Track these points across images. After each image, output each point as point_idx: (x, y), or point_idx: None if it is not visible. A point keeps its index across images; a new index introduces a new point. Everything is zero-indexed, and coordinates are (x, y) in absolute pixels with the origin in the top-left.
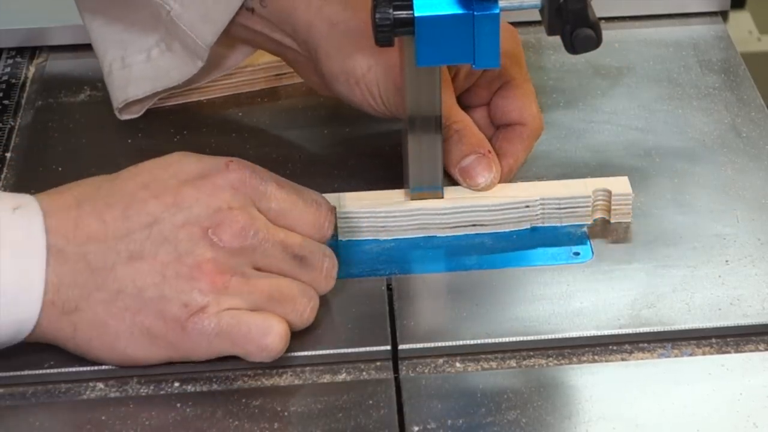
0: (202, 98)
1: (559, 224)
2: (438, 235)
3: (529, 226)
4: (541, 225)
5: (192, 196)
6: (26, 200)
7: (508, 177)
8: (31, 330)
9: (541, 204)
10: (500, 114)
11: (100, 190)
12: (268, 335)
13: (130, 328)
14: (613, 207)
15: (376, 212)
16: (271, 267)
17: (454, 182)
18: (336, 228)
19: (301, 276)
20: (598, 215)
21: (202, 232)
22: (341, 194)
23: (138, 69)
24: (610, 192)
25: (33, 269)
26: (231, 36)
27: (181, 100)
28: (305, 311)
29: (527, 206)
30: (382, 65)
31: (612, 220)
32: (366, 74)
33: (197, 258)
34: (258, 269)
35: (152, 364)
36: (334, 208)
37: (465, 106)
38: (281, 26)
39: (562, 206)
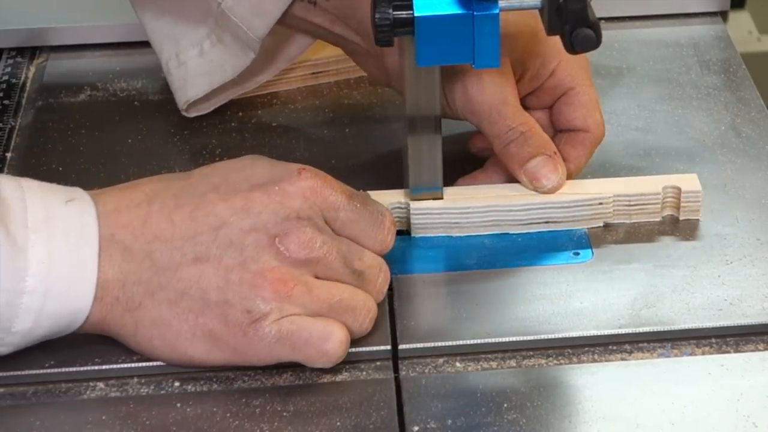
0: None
1: (628, 221)
2: (510, 232)
3: (602, 224)
4: (611, 221)
5: (261, 202)
6: (78, 194)
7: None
8: (83, 321)
9: (614, 201)
10: (564, 120)
11: (171, 189)
12: (328, 341)
13: (193, 330)
14: (682, 204)
15: (451, 208)
16: (331, 278)
17: (452, 182)
18: (409, 224)
19: (357, 287)
20: (667, 212)
21: (269, 239)
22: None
23: (193, 66)
24: (679, 189)
25: (85, 260)
26: (288, 27)
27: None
28: (365, 321)
29: (600, 203)
30: (450, 67)
31: (681, 217)
32: None
33: (262, 265)
34: (318, 278)
35: (212, 366)
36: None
37: (525, 108)
38: (345, 20)
39: (632, 203)
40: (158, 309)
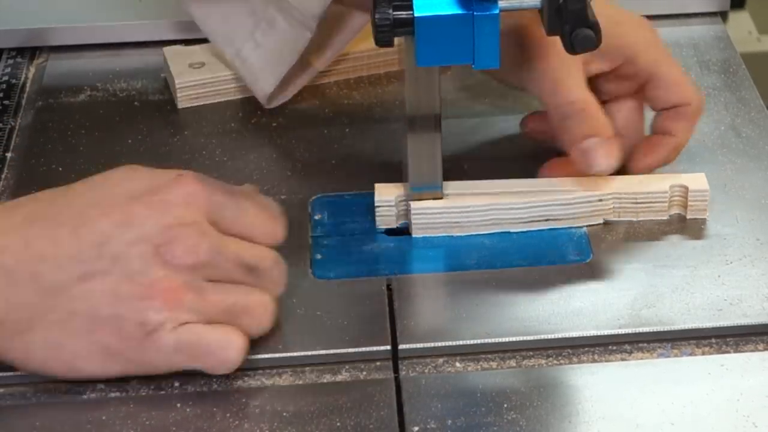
0: (237, 97)
1: (635, 218)
2: (511, 230)
3: (602, 221)
4: (616, 219)
5: (142, 214)
6: None
7: (675, 155)
8: None
9: (615, 198)
10: (661, 101)
11: (52, 207)
12: (228, 349)
13: (87, 347)
14: (689, 203)
15: (451, 208)
16: (224, 279)
17: (452, 180)
18: (410, 224)
19: (254, 285)
20: (674, 211)
21: (154, 249)
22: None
23: (254, 61)
24: (686, 188)
25: None
26: (345, 3)
27: (216, 99)
28: (263, 319)
29: (600, 200)
30: (505, 33)
31: (688, 216)
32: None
33: (150, 276)
34: (211, 281)
35: (111, 378)
36: (285, 212)
37: (606, 97)
38: None
39: (638, 201)
40: (49, 331)
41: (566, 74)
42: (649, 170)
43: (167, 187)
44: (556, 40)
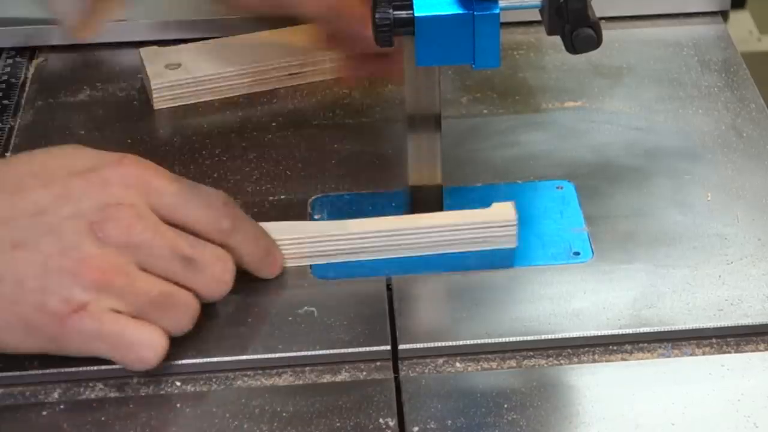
0: (214, 98)
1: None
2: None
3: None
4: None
5: (80, 189)
6: None
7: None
8: None
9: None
10: None
11: None
12: (147, 348)
13: (7, 318)
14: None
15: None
16: (158, 267)
17: (452, 180)
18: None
19: (188, 278)
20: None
21: (88, 226)
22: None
23: None
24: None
25: None
26: None
27: (192, 99)
28: (183, 319)
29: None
30: None
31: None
32: None
33: (81, 253)
34: (145, 270)
35: (26, 354)
36: (232, 201)
37: None
38: None
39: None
40: None
41: None
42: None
43: (109, 166)
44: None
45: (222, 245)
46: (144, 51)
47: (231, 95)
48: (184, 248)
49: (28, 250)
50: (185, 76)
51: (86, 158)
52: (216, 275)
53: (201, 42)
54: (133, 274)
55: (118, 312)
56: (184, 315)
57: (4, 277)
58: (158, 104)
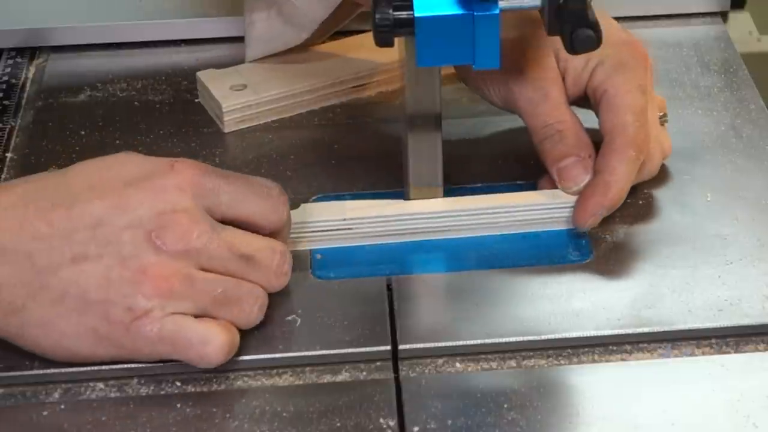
0: (281, 116)
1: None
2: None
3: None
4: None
5: (137, 199)
6: None
7: (611, 198)
8: None
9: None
10: (600, 126)
11: (47, 189)
12: (208, 345)
13: (76, 328)
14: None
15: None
16: (218, 268)
17: (453, 180)
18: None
19: (249, 275)
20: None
21: (146, 235)
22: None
23: (258, 29)
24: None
25: None
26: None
27: (261, 120)
28: (251, 312)
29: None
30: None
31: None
32: None
33: (141, 262)
34: (205, 270)
35: (98, 362)
36: (283, 190)
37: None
38: None
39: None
40: (42, 310)
41: (542, 97)
42: (593, 222)
43: (162, 173)
44: (534, 62)
45: (277, 235)
46: (203, 74)
47: (298, 112)
48: (242, 247)
49: (89, 263)
50: (255, 97)
51: (139, 166)
52: (275, 268)
53: (256, 61)
54: (193, 277)
55: (183, 314)
56: (251, 307)
57: (70, 290)
58: (229, 127)
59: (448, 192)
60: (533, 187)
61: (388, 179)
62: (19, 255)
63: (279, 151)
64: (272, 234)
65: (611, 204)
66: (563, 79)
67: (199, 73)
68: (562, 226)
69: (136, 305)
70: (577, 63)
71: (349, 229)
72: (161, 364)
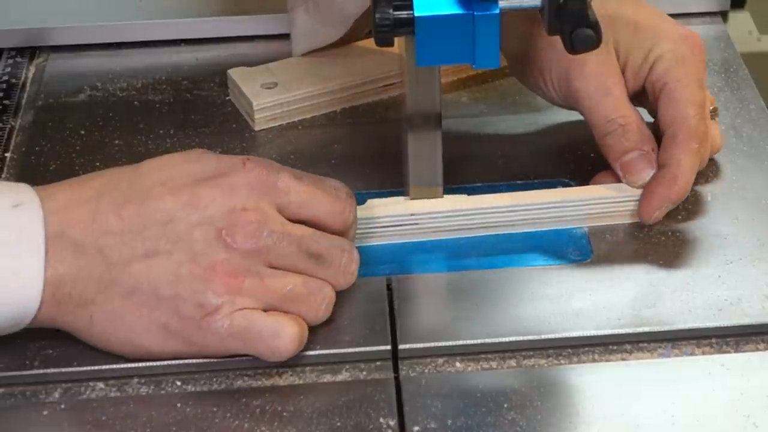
0: (315, 114)
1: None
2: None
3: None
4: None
5: (208, 196)
6: (26, 195)
7: (678, 192)
8: (30, 321)
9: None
10: (660, 119)
11: (121, 184)
12: (278, 338)
13: (147, 323)
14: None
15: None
16: (287, 265)
17: (453, 180)
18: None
19: (317, 273)
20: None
21: (216, 232)
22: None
23: (299, 23)
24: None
25: (30, 267)
26: None
27: (293, 117)
28: (319, 309)
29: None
30: (558, 51)
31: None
32: (541, 58)
33: (211, 259)
34: (274, 267)
35: (167, 358)
36: (351, 191)
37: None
38: None
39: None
40: (112, 304)
41: (604, 93)
42: (659, 215)
43: (234, 171)
44: (595, 57)
45: (344, 234)
46: (234, 72)
47: (330, 110)
48: (311, 245)
49: (160, 259)
50: (286, 95)
51: (211, 164)
52: (343, 267)
53: (287, 60)
54: (263, 275)
55: (252, 309)
56: (319, 305)
57: (140, 285)
58: (259, 125)
59: (448, 192)
60: (533, 186)
61: (389, 179)
62: (90, 249)
63: (281, 151)
64: (339, 233)
65: (677, 197)
66: (623, 72)
67: (230, 71)
68: (626, 220)
69: (207, 302)
70: (636, 57)
71: (416, 224)
72: (162, 364)
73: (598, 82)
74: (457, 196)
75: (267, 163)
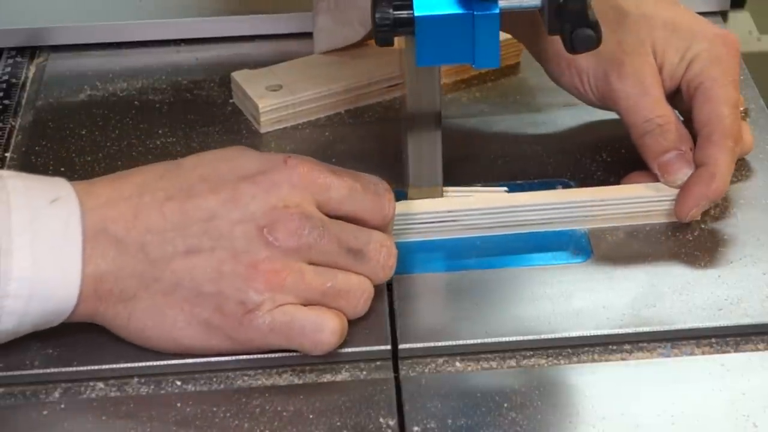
0: (320, 115)
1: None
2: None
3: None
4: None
5: (249, 193)
6: (65, 190)
7: (716, 190)
8: (69, 315)
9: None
10: (695, 118)
11: (162, 180)
12: (321, 332)
13: (188, 319)
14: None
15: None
16: (327, 261)
17: (453, 180)
18: None
19: (357, 268)
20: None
21: (258, 230)
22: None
23: (321, 19)
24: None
25: (70, 261)
26: None
27: (297, 120)
28: (358, 303)
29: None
30: (596, 52)
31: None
32: (578, 59)
33: (253, 257)
34: (314, 264)
35: (209, 354)
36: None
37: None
38: None
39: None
40: (153, 300)
41: (642, 93)
42: (695, 214)
43: (275, 168)
44: (632, 57)
45: (382, 229)
46: (238, 75)
47: (333, 112)
48: (350, 241)
49: (202, 256)
50: (291, 97)
51: (252, 161)
52: (381, 262)
53: (290, 62)
54: (304, 271)
55: (293, 304)
56: (358, 300)
57: (182, 282)
58: (265, 127)
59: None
60: (533, 186)
61: (389, 179)
62: (132, 246)
63: (281, 151)
64: (377, 228)
65: (715, 195)
66: (660, 71)
67: (233, 74)
68: (663, 219)
69: (248, 299)
70: (672, 56)
71: (454, 221)
72: (162, 364)
73: (637, 83)
74: (494, 192)
75: (307, 160)
